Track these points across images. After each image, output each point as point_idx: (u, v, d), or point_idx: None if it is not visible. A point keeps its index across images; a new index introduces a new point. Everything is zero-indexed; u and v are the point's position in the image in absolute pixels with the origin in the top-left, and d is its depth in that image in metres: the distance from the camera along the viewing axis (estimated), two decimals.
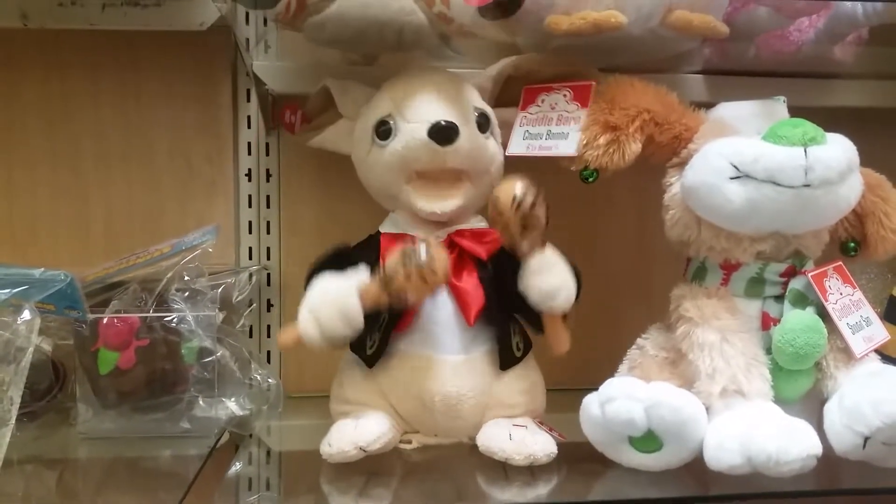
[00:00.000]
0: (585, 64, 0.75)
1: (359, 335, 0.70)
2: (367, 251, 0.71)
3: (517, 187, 0.63)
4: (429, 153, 0.68)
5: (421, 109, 0.69)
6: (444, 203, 0.70)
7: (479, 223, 0.73)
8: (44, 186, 0.88)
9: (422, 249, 0.63)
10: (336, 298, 0.64)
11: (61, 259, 0.86)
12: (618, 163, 0.70)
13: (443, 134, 0.67)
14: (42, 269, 0.71)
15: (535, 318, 0.69)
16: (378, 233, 0.74)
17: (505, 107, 0.76)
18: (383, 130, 0.70)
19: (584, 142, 0.69)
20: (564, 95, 0.72)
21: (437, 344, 0.69)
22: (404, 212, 0.73)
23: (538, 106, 0.74)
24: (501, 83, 0.77)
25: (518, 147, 0.74)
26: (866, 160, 0.68)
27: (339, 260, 0.69)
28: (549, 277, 0.65)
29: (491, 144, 0.73)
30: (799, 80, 0.86)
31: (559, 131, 0.71)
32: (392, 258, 0.63)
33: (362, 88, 0.76)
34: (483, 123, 0.72)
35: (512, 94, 0.76)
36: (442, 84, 0.71)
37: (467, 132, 0.69)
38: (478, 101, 0.73)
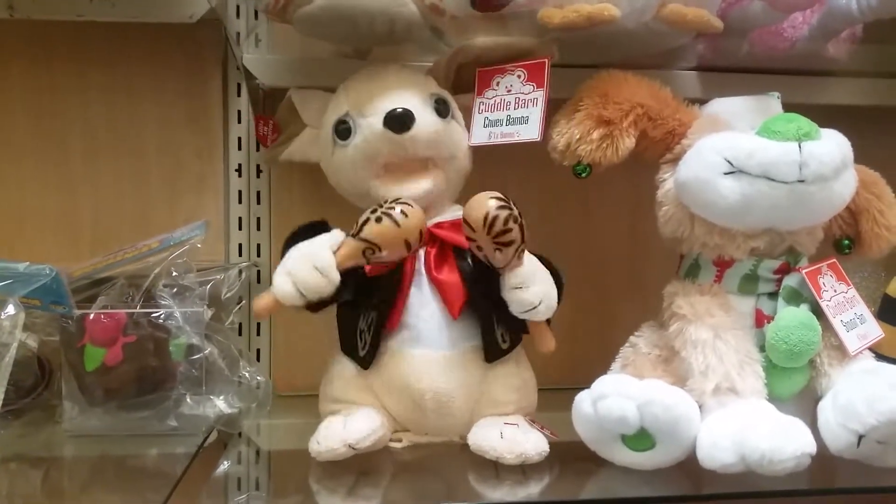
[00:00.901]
0: (545, 44, 0.74)
1: (349, 338, 0.71)
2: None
3: (489, 205, 0.60)
4: (388, 143, 0.68)
5: (375, 102, 0.69)
6: (413, 187, 0.70)
7: (456, 213, 0.73)
8: (30, 180, 0.87)
9: (395, 199, 0.63)
10: (309, 253, 0.64)
11: (48, 255, 0.85)
12: (611, 158, 0.70)
13: (398, 121, 0.67)
14: (27, 264, 0.70)
15: (518, 320, 0.68)
16: None
17: (465, 93, 0.75)
18: (342, 129, 0.70)
19: (578, 136, 0.69)
20: (519, 76, 0.71)
21: (425, 340, 0.69)
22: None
23: (494, 90, 0.73)
24: (454, 69, 0.76)
25: (480, 136, 0.73)
26: (860, 158, 0.68)
27: (314, 230, 0.69)
28: (528, 291, 0.65)
29: (454, 128, 0.72)
30: (793, 77, 0.85)
31: (519, 115, 0.71)
32: (364, 212, 0.64)
33: (322, 95, 0.76)
34: (441, 109, 0.71)
35: (470, 80, 0.75)
36: (395, 75, 0.71)
37: (425, 118, 0.68)
38: (434, 88, 0.73)
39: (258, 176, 0.90)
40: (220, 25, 0.84)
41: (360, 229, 0.63)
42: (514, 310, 0.66)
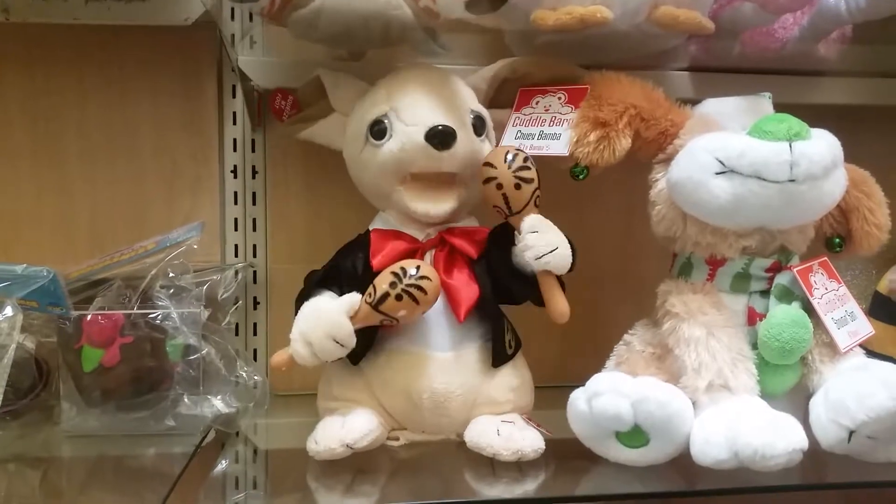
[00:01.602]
0: (573, 63, 0.75)
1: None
2: (356, 251, 0.71)
3: (508, 147, 0.67)
4: (425, 157, 0.68)
5: (418, 111, 0.69)
6: (438, 206, 0.70)
7: (470, 222, 0.73)
8: (27, 183, 0.87)
9: (413, 270, 0.63)
10: (326, 320, 0.64)
11: (45, 256, 0.85)
12: (608, 159, 0.70)
13: (441, 139, 0.67)
14: (24, 265, 0.70)
15: (532, 289, 0.68)
16: (368, 232, 0.73)
17: (499, 108, 0.76)
18: (378, 130, 0.70)
19: (575, 139, 0.70)
20: (559, 98, 0.73)
21: (427, 341, 0.69)
22: (395, 211, 0.73)
23: (532, 108, 0.74)
24: (497, 85, 0.77)
25: (509, 141, 0.74)
26: (851, 157, 0.68)
27: (328, 276, 0.69)
28: (544, 235, 0.66)
29: (486, 148, 0.73)
30: (784, 77, 0.86)
31: (551, 132, 0.72)
32: (383, 278, 0.64)
33: (356, 83, 0.75)
34: (479, 126, 0.72)
35: (506, 95, 0.76)
36: (438, 85, 0.71)
37: (464, 136, 0.69)
38: (474, 104, 0.73)
39: (254, 177, 0.90)
40: (215, 28, 0.84)
41: (380, 302, 0.63)
42: (529, 256, 0.66)
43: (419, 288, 0.63)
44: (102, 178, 0.88)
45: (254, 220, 0.90)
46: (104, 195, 0.88)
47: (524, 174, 0.66)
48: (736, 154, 0.64)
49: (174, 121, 0.88)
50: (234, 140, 0.90)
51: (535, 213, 0.67)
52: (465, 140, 0.69)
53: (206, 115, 0.89)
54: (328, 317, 0.64)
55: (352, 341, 0.64)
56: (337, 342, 0.64)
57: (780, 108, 0.71)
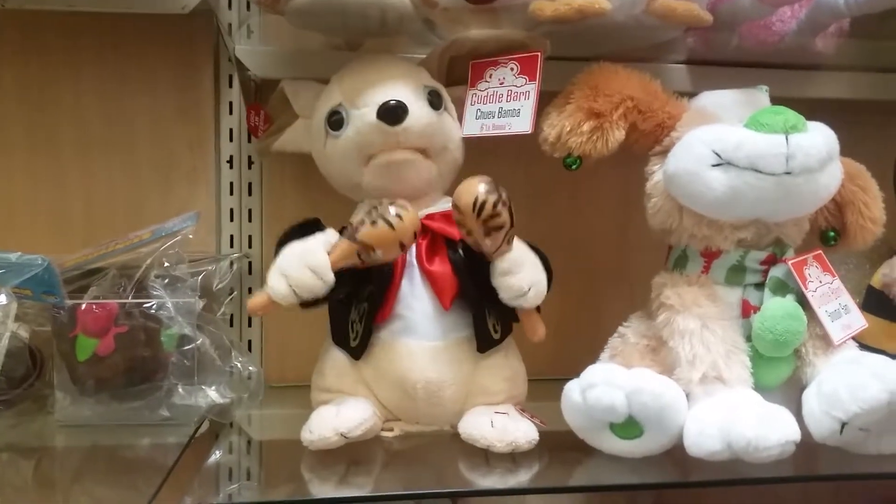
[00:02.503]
0: (538, 38, 0.74)
1: (341, 329, 0.71)
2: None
3: (478, 189, 0.61)
4: (381, 135, 0.68)
5: (368, 93, 0.69)
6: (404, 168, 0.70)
7: (447, 204, 0.73)
8: (22, 172, 0.87)
9: (390, 202, 0.63)
10: (303, 253, 0.64)
11: (40, 246, 0.84)
12: (601, 150, 0.70)
13: (392, 113, 0.67)
14: (19, 254, 0.70)
15: (508, 309, 0.68)
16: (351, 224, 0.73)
17: (457, 85, 0.75)
18: (335, 120, 0.70)
19: (568, 128, 0.70)
20: (512, 69, 0.72)
21: (416, 331, 0.69)
22: (371, 199, 0.73)
23: (487, 82, 0.73)
24: (447, 62, 0.76)
25: (472, 128, 0.73)
26: (846, 151, 0.69)
27: (307, 229, 0.68)
28: (517, 277, 0.65)
29: (446, 120, 0.72)
30: (781, 70, 0.86)
31: (511, 108, 0.71)
32: (358, 211, 0.63)
33: (314, 86, 0.75)
34: (434, 100, 0.71)
35: (462, 72, 0.75)
36: (388, 67, 0.71)
37: (418, 110, 0.68)
38: (427, 80, 0.73)
39: (250, 167, 0.90)
40: (212, 16, 0.84)
41: (356, 230, 0.63)
42: (504, 296, 0.66)
43: (396, 216, 0.62)
44: (98, 167, 0.88)
45: (249, 210, 0.90)
46: (99, 184, 0.88)
47: (494, 223, 0.62)
48: (732, 146, 0.64)
49: (170, 110, 0.88)
50: (231, 130, 0.89)
51: (508, 252, 0.65)
52: (421, 114, 0.69)
53: (203, 105, 0.88)
54: (305, 248, 0.64)
55: (329, 274, 0.63)
56: (314, 272, 0.63)
57: (776, 101, 0.71)
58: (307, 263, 0.63)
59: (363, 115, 0.68)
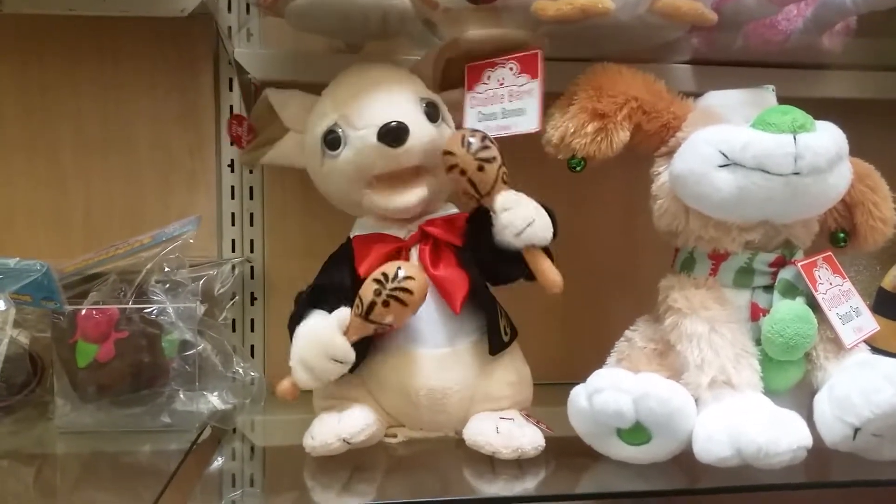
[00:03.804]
0: (535, 37, 0.73)
1: None
2: (341, 263, 0.70)
3: (464, 131, 0.65)
4: (382, 157, 0.67)
5: (366, 113, 0.67)
6: (408, 197, 0.69)
7: (449, 210, 0.72)
8: (22, 176, 0.87)
9: (394, 273, 0.63)
10: (322, 341, 0.64)
11: (39, 250, 0.84)
12: (605, 151, 0.69)
13: (393, 135, 0.66)
14: (17, 259, 0.69)
15: (520, 266, 0.67)
16: (349, 239, 0.72)
17: (452, 89, 0.74)
18: (331, 140, 0.69)
19: (572, 130, 0.69)
20: (511, 69, 0.71)
21: (422, 338, 0.68)
22: (371, 215, 0.72)
23: (485, 84, 0.72)
24: (442, 66, 0.75)
25: None
26: (855, 151, 0.68)
27: (317, 294, 0.69)
28: (519, 210, 0.65)
29: (444, 131, 0.71)
30: (787, 70, 0.85)
31: (514, 108, 0.70)
32: (367, 287, 0.63)
33: (303, 97, 0.74)
34: (432, 113, 0.70)
35: (456, 75, 0.74)
36: (381, 81, 0.70)
37: (418, 127, 0.68)
38: (422, 91, 0.72)
39: (251, 171, 0.89)
40: (211, 20, 0.84)
41: (369, 311, 0.63)
42: (509, 235, 0.65)
43: (404, 290, 0.62)
44: (97, 171, 0.88)
45: (251, 214, 0.90)
46: (99, 189, 0.88)
47: (485, 154, 0.64)
48: (739, 146, 0.63)
49: (170, 114, 0.88)
50: None
51: (504, 190, 0.65)
52: (420, 130, 0.68)
53: (203, 108, 0.88)
54: (323, 338, 0.64)
55: (351, 357, 0.64)
56: (336, 361, 0.64)
57: (783, 102, 0.70)
58: (329, 355, 0.64)
59: (363, 136, 0.67)
